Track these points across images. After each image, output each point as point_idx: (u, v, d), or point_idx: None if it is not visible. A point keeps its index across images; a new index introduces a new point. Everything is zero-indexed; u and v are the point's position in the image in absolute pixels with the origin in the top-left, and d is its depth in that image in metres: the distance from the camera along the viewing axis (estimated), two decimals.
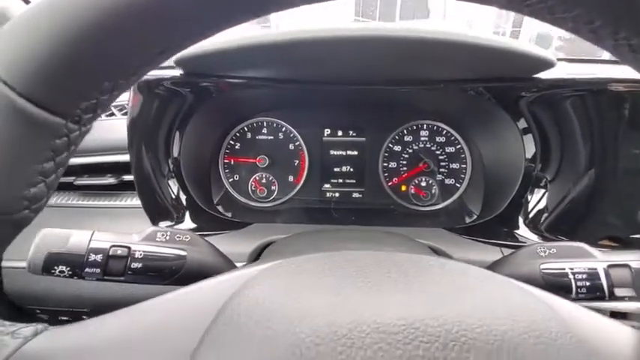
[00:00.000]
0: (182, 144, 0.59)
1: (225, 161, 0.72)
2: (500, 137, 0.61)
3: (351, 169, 0.73)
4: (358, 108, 0.70)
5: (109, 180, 0.64)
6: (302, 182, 0.73)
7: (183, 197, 0.62)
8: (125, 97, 0.73)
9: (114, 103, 0.70)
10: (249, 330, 0.20)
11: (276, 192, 0.72)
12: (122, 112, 0.70)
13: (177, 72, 0.53)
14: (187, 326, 0.21)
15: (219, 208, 0.67)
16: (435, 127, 0.71)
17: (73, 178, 0.66)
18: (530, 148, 0.57)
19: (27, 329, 0.23)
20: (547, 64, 0.48)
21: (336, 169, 0.73)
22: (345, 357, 0.17)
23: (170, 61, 0.52)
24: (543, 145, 0.56)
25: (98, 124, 0.68)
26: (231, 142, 0.72)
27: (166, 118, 0.57)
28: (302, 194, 0.72)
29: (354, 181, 0.73)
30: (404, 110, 0.70)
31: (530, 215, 0.58)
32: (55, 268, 0.33)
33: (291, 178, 0.73)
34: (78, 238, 0.34)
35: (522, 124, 0.57)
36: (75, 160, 0.65)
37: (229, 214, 0.67)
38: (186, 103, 0.58)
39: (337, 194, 0.73)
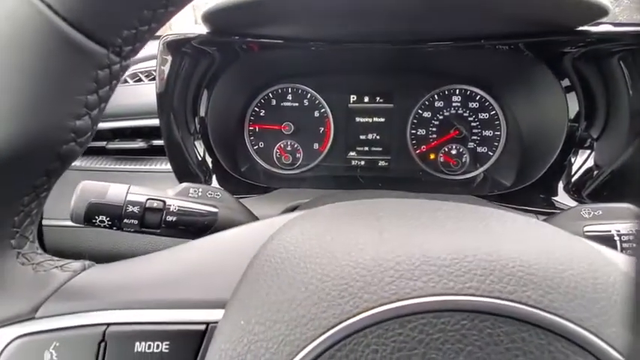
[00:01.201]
0: (209, 104, 0.59)
1: (250, 128, 0.72)
2: (540, 98, 0.58)
3: (378, 137, 0.71)
4: (386, 73, 0.68)
5: (140, 144, 0.65)
6: (327, 150, 0.71)
7: (209, 160, 0.62)
8: (153, 64, 0.74)
9: (142, 69, 0.71)
10: (292, 267, 0.19)
11: (301, 159, 0.72)
12: (150, 78, 0.70)
13: (205, 31, 0.53)
14: (229, 265, 0.21)
15: (245, 174, 0.68)
16: (469, 92, 0.67)
17: (105, 142, 0.68)
18: (573, 108, 0.53)
19: (75, 264, 0.24)
20: (600, 12, 0.43)
21: (362, 137, 0.71)
22: (394, 288, 0.16)
23: (198, 21, 0.52)
24: (588, 103, 0.52)
25: (127, 90, 0.69)
26: (256, 109, 0.71)
27: (194, 78, 0.57)
28: (327, 162, 0.71)
29: (380, 149, 0.71)
30: (435, 74, 0.67)
31: (573, 179, 0.54)
32: (96, 217, 0.34)
33: (316, 146, 0.72)
34: (116, 190, 0.35)
35: (565, 82, 0.53)
36: (105, 125, 0.67)
37: (255, 181, 0.67)
38: (214, 63, 0.57)
39: (363, 162, 0.71)
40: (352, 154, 0.71)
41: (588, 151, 0.53)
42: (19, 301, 0.21)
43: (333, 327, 0.16)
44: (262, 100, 0.71)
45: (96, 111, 0.20)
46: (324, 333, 0.16)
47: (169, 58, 0.53)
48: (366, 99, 0.70)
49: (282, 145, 0.72)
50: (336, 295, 0.17)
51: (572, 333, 0.15)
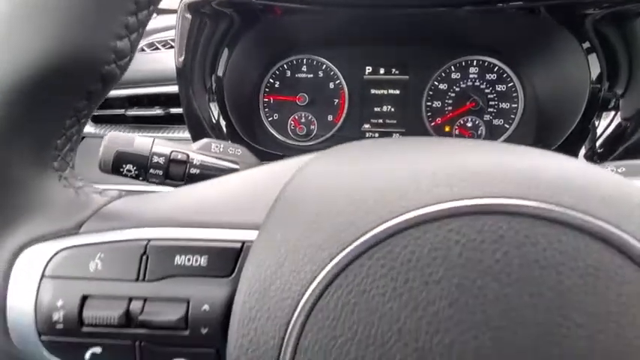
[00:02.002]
0: (227, 66, 0.60)
1: (265, 100, 0.72)
2: (560, 62, 0.57)
3: (392, 109, 0.70)
4: (402, 44, 0.68)
5: (157, 111, 0.66)
6: (341, 121, 0.71)
7: (223, 123, 0.63)
8: (170, 34, 0.75)
9: (159, 39, 0.72)
10: (328, 183, 0.19)
11: (315, 131, 0.72)
12: (167, 47, 0.71)
13: None
14: (264, 192, 0.21)
15: (259, 143, 0.68)
16: (486, 64, 0.67)
17: (123, 110, 0.69)
18: (594, 70, 0.52)
19: (113, 192, 0.25)
20: None
21: (376, 109, 0.71)
22: (431, 192, 0.16)
23: None
24: (610, 64, 0.51)
25: (144, 57, 0.71)
26: (271, 80, 0.72)
27: (214, 39, 0.58)
28: (341, 133, 0.71)
29: (394, 122, 0.70)
30: (452, 45, 0.66)
31: (598, 143, 0.53)
32: (123, 166, 0.34)
33: (330, 118, 0.71)
34: (142, 142, 0.36)
35: (586, 44, 0.53)
36: (123, 92, 0.68)
37: (269, 150, 0.67)
38: (232, 26, 0.58)
39: (377, 134, 0.71)
40: (366, 126, 0.71)
41: (612, 114, 0.52)
42: (63, 218, 0.21)
43: (370, 230, 0.16)
44: (277, 72, 0.72)
45: (135, 34, 0.21)
46: (362, 236, 0.16)
47: (189, 18, 0.54)
48: (382, 71, 0.70)
49: (296, 117, 0.72)
50: (374, 202, 0.17)
51: (610, 236, 0.15)
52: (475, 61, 0.67)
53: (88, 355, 0.20)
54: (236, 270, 0.19)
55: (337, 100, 0.71)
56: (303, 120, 0.72)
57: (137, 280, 0.20)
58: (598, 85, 0.52)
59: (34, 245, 0.21)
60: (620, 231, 0.15)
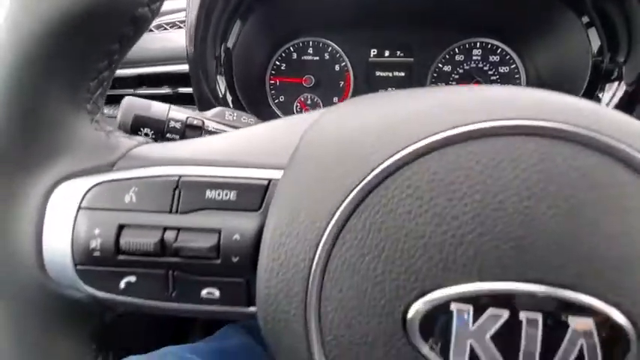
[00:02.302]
0: (237, 40, 0.61)
1: (271, 82, 0.73)
2: (561, 40, 0.58)
3: None
4: (406, 26, 0.69)
5: (166, 90, 0.66)
6: None
7: (229, 99, 0.63)
8: (177, 16, 0.76)
9: (166, 20, 0.73)
10: (351, 118, 0.20)
11: None
12: (175, 28, 0.72)
13: None
14: (288, 136, 0.22)
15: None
16: (489, 46, 0.68)
17: (132, 90, 0.69)
18: (595, 44, 0.54)
19: (140, 137, 0.26)
20: None
21: (381, 91, 0.72)
22: (454, 115, 0.17)
23: None
24: (609, 37, 0.52)
25: (152, 37, 0.71)
26: (277, 62, 0.73)
27: (226, 10, 0.58)
28: None
29: None
30: (456, 27, 0.68)
31: None
32: (141, 130, 0.35)
33: (335, 99, 0.72)
34: (158, 107, 0.37)
35: (585, 19, 0.54)
36: (131, 71, 0.68)
37: None
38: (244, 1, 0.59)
39: None
40: None
41: (616, 85, 0.53)
42: (96, 157, 0.22)
43: (396, 153, 0.17)
44: (283, 54, 0.73)
45: None
46: (388, 159, 0.17)
47: None
48: (387, 53, 0.71)
49: (302, 99, 0.72)
50: (398, 129, 0.18)
51: (616, 152, 0.16)
52: (478, 43, 0.68)
53: (122, 283, 0.21)
54: (264, 205, 0.20)
55: (343, 83, 0.72)
56: (309, 102, 0.72)
57: (170, 212, 0.21)
58: (600, 58, 0.53)
59: (69, 180, 0.22)
60: (626, 146, 0.16)
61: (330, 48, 0.72)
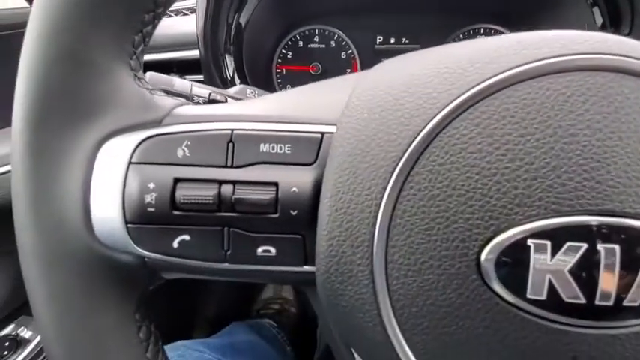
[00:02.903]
0: (249, 19, 0.61)
1: (278, 70, 0.73)
2: (565, 20, 0.60)
3: None
4: (411, 13, 0.70)
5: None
6: None
7: (237, 81, 0.63)
8: (182, 4, 0.76)
9: (174, 7, 0.73)
10: (409, 63, 0.20)
11: None
12: (180, 15, 0.72)
13: None
14: (338, 91, 0.21)
15: None
16: (492, 31, 0.69)
17: None
18: (598, 20, 0.55)
19: (181, 98, 0.26)
20: None
21: None
22: (518, 56, 0.17)
23: None
24: (612, 14, 0.54)
25: (165, 22, 0.71)
26: (284, 50, 0.73)
27: None
28: None
29: None
30: (460, 13, 0.69)
31: None
32: None
33: None
34: (181, 83, 0.37)
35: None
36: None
37: None
38: None
39: None
40: None
41: None
42: (143, 113, 0.21)
43: (465, 92, 0.17)
44: (289, 42, 0.73)
45: None
46: (456, 98, 0.17)
47: None
48: (392, 40, 0.72)
49: None
50: (464, 68, 0.18)
51: None
52: (482, 29, 0.70)
53: (175, 243, 0.20)
54: (319, 158, 0.20)
55: (350, 70, 0.72)
56: None
57: (225, 166, 0.20)
58: (604, 31, 0.55)
59: (116, 137, 0.21)
60: None
61: (336, 36, 0.72)
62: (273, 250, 0.20)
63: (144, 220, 0.20)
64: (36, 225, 0.20)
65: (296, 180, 0.19)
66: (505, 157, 0.16)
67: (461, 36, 0.70)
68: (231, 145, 0.20)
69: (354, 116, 0.19)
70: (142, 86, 0.22)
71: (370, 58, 0.72)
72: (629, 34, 0.52)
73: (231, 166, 0.20)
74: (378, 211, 0.17)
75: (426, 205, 0.16)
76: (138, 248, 0.20)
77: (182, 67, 0.67)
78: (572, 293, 0.15)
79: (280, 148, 0.20)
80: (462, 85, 0.17)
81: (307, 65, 0.72)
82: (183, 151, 0.20)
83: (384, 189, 0.17)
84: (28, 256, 0.20)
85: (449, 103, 0.17)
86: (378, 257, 0.17)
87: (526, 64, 0.17)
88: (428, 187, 0.17)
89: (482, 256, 0.16)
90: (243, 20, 0.62)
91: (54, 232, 0.20)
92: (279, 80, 0.73)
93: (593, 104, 0.16)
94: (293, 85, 0.73)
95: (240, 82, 0.63)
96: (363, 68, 0.72)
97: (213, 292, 0.98)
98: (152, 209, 0.19)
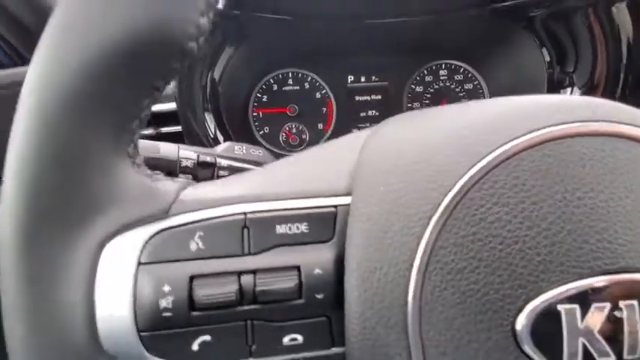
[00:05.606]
0: (223, 71, 0.61)
1: (255, 114, 0.73)
2: (517, 57, 0.66)
3: (377, 113, 0.75)
4: (378, 53, 0.74)
5: (149, 131, 0.63)
6: (331, 129, 0.74)
7: (221, 138, 0.62)
8: None
9: None
10: (421, 122, 0.20)
11: (307, 140, 0.73)
12: None
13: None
14: (344, 159, 0.21)
15: None
16: (453, 66, 0.75)
17: None
18: (547, 58, 0.62)
19: (182, 179, 0.24)
20: None
21: (362, 114, 0.75)
22: (543, 115, 0.18)
23: None
24: (558, 52, 0.61)
25: None
26: (258, 94, 0.73)
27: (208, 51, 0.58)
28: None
29: None
30: (422, 51, 0.74)
31: None
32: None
33: (320, 126, 0.74)
34: (167, 147, 0.35)
35: (539, 38, 0.63)
36: None
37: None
38: (226, 38, 0.60)
39: None
40: (355, 131, 0.75)
41: (569, 89, 0.61)
42: (147, 204, 0.20)
43: (476, 163, 0.17)
44: (264, 86, 0.73)
45: (211, 13, 0.21)
46: (471, 168, 0.17)
47: None
48: (363, 78, 0.75)
49: (287, 128, 0.73)
50: (471, 138, 0.18)
51: None
52: (443, 65, 0.75)
53: (195, 345, 0.19)
54: (336, 233, 0.19)
55: (325, 109, 0.74)
56: (294, 130, 0.73)
57: (242, 254, 0.19)
58: (551, 70, 0.62)
59: (121, 235, 0.19)
60: None
61: (309, 77, 0.74)
62: (300, 338, 0.19)
63: (159, 326, 0.18)
64: (31, 344, 0.18)
65: (317, 260, 0.19)
66: (523, 225, 0.16)
67: (425, 71, 0.75)
68: (246, 230, 0.19)
69: (368, 189, 0.18)
70: (141, 173, 0.21)
71: (344, 96, 0.75)
72: (574, 72, 0.59)
73: (249, 253, 0.19)
74: (407, 289, 0.17)
75: (454, 279, 0.16)
76: (153, 357, 0.19)
77: (158, 120, 0.65)
78: (603, 352, 0.16)
79: (297, 228, 0.19)
80: (471, 156, 0.18)
81: (284, 107, 0.73)
82: (197, 243, 0.19)
83: (411, 266, 0.17)
84: None
85: (463, 175, 0.17)
86: (413, 337, 0.17)
87: (527, 133, 0.17)
88: (454, 259, 0.17)
89: (517, 326, 0.16)
90: (217, 75, 0.62)
91: (53, 346, 0.18)
92: (256, 124, 0.73)
93: (591, 167, 0.17)
94: (272, 128, 0.73)
95: (221, 133, 0.62)
96: (338, 106, 0.74)
97: None
98: (169, 314, 0.18)
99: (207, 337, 0.18)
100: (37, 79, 0.18)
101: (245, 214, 0.19)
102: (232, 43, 0.62)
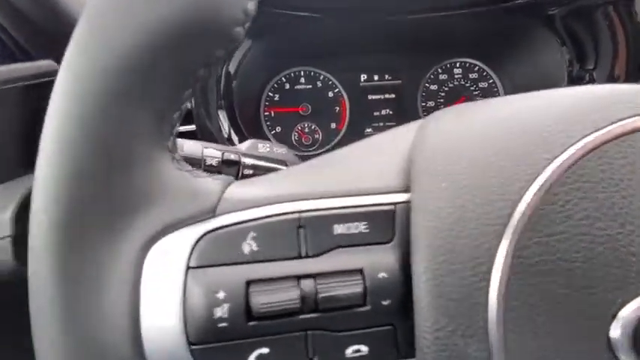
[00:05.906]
0: (238, 66, 0.59)
1: (266, 113, 0.72)
2: (535, 55, 0.65)
3: (391, 112, 0.74)
4: (391, 51, 0.73)
5: None
6: (345, 128, 0.73)
7: (235, 138, 0.61)
8: None
9: None
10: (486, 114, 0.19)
11: (320, 139, 0.72)
12: None
13: None
14: (391, 160, 0.20)
15: None
16: (468, 65, 0.74)
17: None
18: (567, 56, 0.61)
19: (223, 176, 0.22)
20: None
21: (376, 113, 0.74)
22: (625, 106, 0.17)
23: None
24: (578, 50, 0.60)
25: None
26: (270, 93, 0.72)
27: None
28: (346, 139, 0.72)
29: (394, 123, 0.74)
30: (436, 49, 0.73)
31: None
32: None
33: (333, 125, 0.73)
34: (191, 145, 0.34)
35: (559, 36, 0.62)
36: None
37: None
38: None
39: None
40: (369, 130, 0.73)
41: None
42: (191, 202, 0.18)
43: (558, 155, 0.16)
44: (275, 85, 0.72)
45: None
46: (552, 160, 0.16)
47: None
48: (376, 77, 0.74)
49: (300, 127, 0.72)
50: (549, 130, 0.17)
51: None
52: (458, 63, 0.74)
53: (252, 358, 0.17)
54: (396, 233, 0.18)
55: (338, 108, 0.73)
56: (307, 130, 0.72)
57: (300, 256, 0.17)
58: (570, 68, 0.61)
59: (166, 236, 0.17)
60: None
61: (321, 76, 0.73)
62: (364, 349, 0.17)
63: (214, 338, 0.16)
64: (66, 356, 0.16)
65: (381, 262, 0.17)
66: (615, 222, 0.15)
67: (439, 70, 0.74)
68: (302, 230, 0.18)
69: (430, 185, 0.17)
70: (181, 169, 0.19)
71: (357, 95, 0.73)
72: (594, 69, 0.59)
73: (307, 256, 0.17)
74: (487, 294, 0.15)
75: (541, 282, 0.15)
76: None
77: None
78: None
79: (356, 227, 0.18)
80: (552, 147, 0.16)
81: (296, 106, 0.71)
82: (250, 245, 0.17)
83: (491, 267, 0.15)
84: None
85: (544, 168, 0.16)
86: (496, 347, 0.15)
87: (612, 123, 0.16)
88: (540, 261, 0.15)
89: (613, 332, 0.15)
90: (232, 69, 0.61)
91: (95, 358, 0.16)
92: (267, 123, 0.72)
93: None
94: (284, 128, 0.72)
95: (239, 140, 0.61)
96: (351, 105, 0.73)
97: None
98: (224, 324, 0.16)
99: (265, 350, 0.17)
100: (78, 67, 0.16)
101: (299, 212, 0.18)
102: (250, 37, 0.61)
